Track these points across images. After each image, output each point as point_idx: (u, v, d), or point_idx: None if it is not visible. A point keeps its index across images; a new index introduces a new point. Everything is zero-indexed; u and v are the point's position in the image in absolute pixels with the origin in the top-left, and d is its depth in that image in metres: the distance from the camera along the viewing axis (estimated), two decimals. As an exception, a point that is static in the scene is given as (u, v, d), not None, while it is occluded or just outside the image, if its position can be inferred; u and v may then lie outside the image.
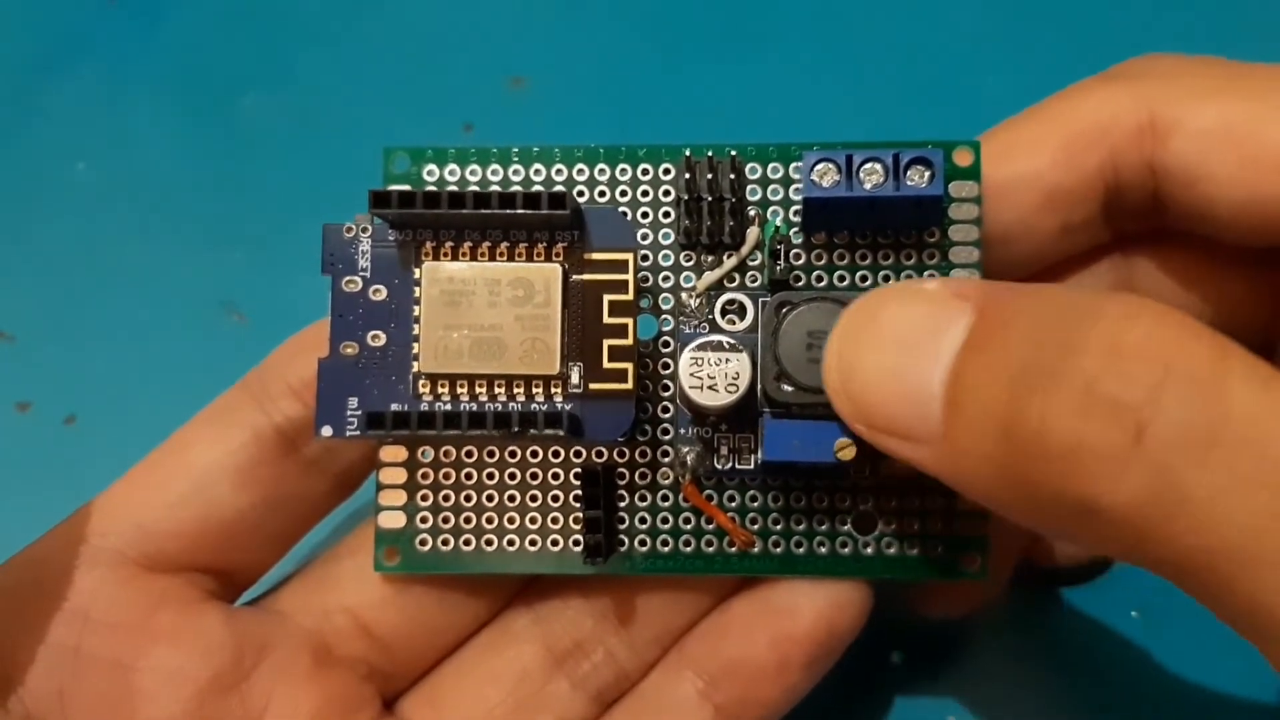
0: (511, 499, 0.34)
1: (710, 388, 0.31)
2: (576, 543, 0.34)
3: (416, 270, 0.32)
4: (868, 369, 0.27)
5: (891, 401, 0.27)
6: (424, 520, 0.34)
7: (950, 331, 0.26)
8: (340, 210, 0.33)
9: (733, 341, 0.31)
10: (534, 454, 0.34)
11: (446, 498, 0.34)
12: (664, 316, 0.34)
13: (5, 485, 0.43)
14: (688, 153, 0.33)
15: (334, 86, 0.48)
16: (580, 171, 0.34)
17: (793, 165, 0.34)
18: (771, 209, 0.34)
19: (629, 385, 0.31)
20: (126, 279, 0.45)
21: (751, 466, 0.33)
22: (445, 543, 0.34)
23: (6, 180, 0.47)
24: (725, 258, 0.34)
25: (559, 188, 0.34)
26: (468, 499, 0.34)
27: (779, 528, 0.34)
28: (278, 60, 0.48)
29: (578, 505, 0.34)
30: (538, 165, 0.34)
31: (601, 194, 0.34)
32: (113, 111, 0.48)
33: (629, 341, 0.31)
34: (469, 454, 0.34)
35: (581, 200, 0.34)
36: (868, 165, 0.31)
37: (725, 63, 0.47)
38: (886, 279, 0.34)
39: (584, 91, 0.47)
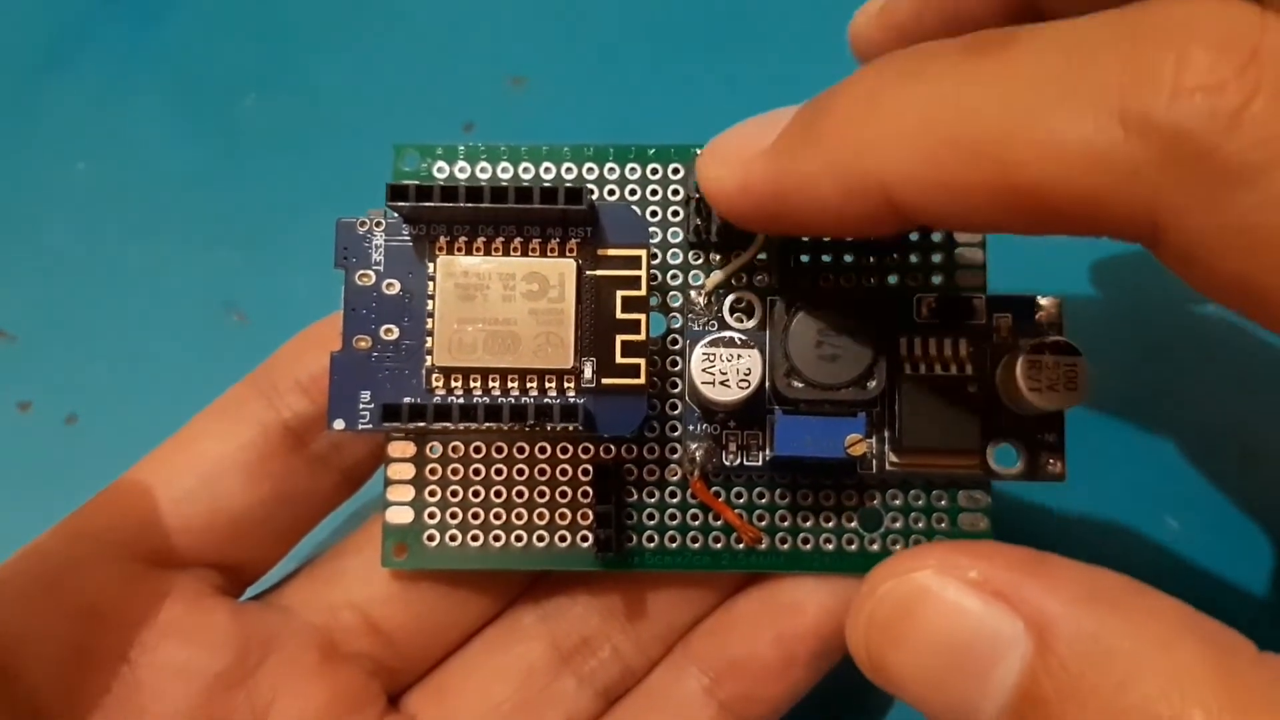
0: (519, 495, 0.34)
1: (722, 384, 0.31)
2: (584, 539, 0.34)
3: (430, 264, 0.32)
4: (904, 668, 0.26)
5: (933, 706, 0.26)
6: (432, 516, 0.34)
7: (1004, 663, 0.24)
8: (340, 210, 0.33)
9: (744, 338, 0.31)
10: (542, 450, 0.34)
11: (454, 493, 0.34)
12: (673, 314, 0.34)
13: (5, 485, 0.43)
14: (697, 152, 0.34)
15: (334, 86, 0.48)
16: (590, 170, 0.34)
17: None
18: (779, 208, 0.34)
19: (641, 380, 0.31)
20: (126, 279, 0.45)
21: (759, 463, 0.33)
22: (453, 539, 0.34)
23: (7, 180, 0.46)
24: (734, 256, 0.34)
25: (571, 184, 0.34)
26: (475, 495, 0.34)
27: (786, 524, 0.34)
28: (278, 60, 0.48)
29: (585, 501, 0.34)
30: (547, 164, 0.34)
31: (611, 193, 0.34)
32: (113, 111, 0.47)
33: (641, 337, 0.31)
34: (477, 450, 0.34)
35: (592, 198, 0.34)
36: (875, 164, 0.32)
37: (725, 63, 0.47)
38: (888, 278, 0.34)
39: (584, 91, 0.47)
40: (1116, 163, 0.21)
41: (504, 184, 0.32)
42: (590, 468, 0.34)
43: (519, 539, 0.34)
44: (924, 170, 0.24)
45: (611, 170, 0.34)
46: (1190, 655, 0.22)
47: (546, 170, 0.34)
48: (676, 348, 0.34)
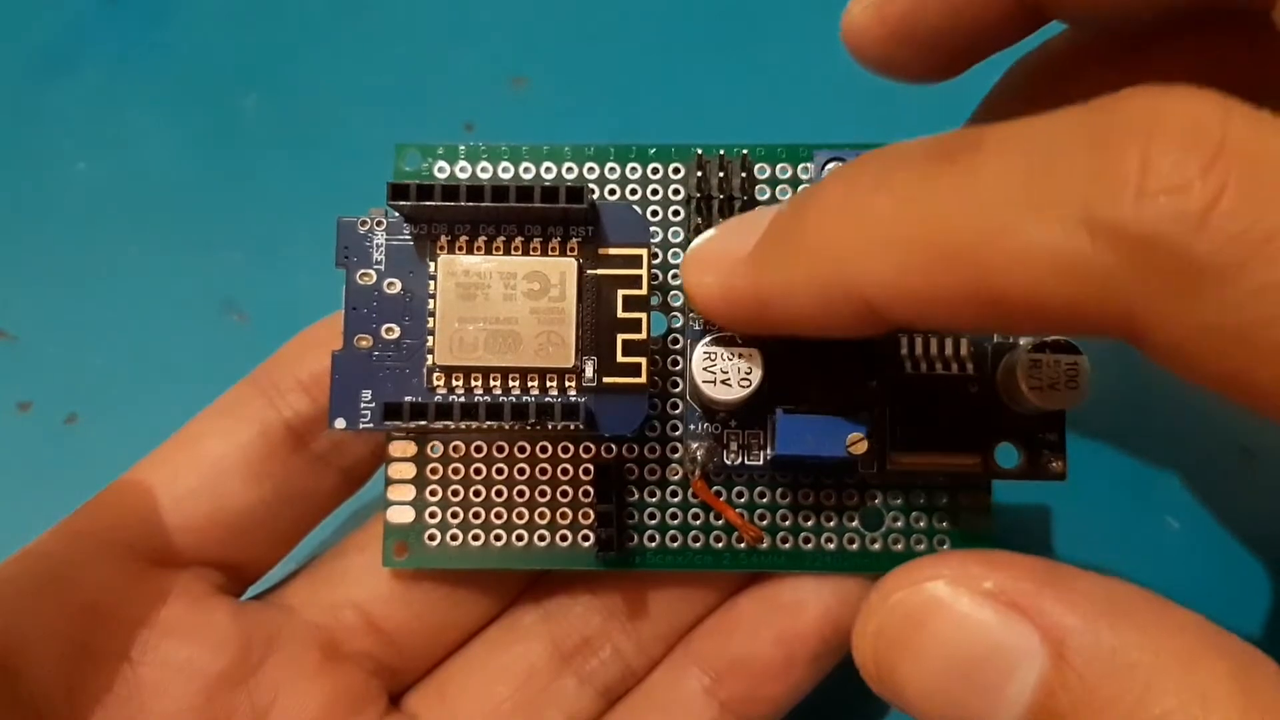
0: (520, 494, 0.34)
1: (724, 383, 0.31)
2: (586, 538, 0.34)
3: (431, 263, 0.32)
4: (914, 681, 0.25)
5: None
6: (433, 516, 0.34)
7: (1019, 676, 0.23)
8: (340, 210, 0.33)
9: (745, 337, 0.31)
10: (543, 449, 0.34)
11: (455, 493, 0.34)
12: (674, 314, 0.34)
13: (5, 485, 0.42)
14: (699, 152, 0.34)
15: (334, 86, 0.48)
16: (590, 170, 0.34)
17: (801, 165, 0.34)
18: (780, 208, 0.34)
19: (643, 379, 0.31)
20: (126, 279, 0.45)
21: (760, 462, 0.33)
22: (454, 538, 0.34)
23: (7, 180, 0.46)
24: (735, 256, 0.34)
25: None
26: (477, 494, 0.34)
27: (787, 524, 0.34)
28: (278, 60, 0.48)
29: (586, 501, 0.34)
30: (548, 163, 0.34)
31: (612, 192, 0.34)
32: (113, 111, 0.47)
33: (643, 336, 0.31)
34: (478, 449, 0.34)
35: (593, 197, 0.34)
36: (876, 164, 0.32)
37: (726, 63, 0.47)
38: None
39: (584, 91, 0.47)
40: (1088, 270, 0.21)
41: (505, 183, 0.32)
42: (591, 467, 0.34)
43: (520, 538, 0.34)
44: (900, 280, 0.24)
45: (612, 170, 0.34)
46: (1212, 672, 0.22)
47: (547, 170, 0.34)
48: (677, 347, 0.34)
